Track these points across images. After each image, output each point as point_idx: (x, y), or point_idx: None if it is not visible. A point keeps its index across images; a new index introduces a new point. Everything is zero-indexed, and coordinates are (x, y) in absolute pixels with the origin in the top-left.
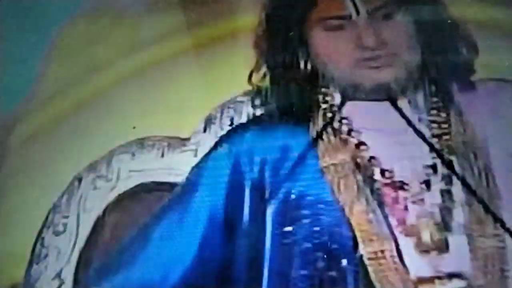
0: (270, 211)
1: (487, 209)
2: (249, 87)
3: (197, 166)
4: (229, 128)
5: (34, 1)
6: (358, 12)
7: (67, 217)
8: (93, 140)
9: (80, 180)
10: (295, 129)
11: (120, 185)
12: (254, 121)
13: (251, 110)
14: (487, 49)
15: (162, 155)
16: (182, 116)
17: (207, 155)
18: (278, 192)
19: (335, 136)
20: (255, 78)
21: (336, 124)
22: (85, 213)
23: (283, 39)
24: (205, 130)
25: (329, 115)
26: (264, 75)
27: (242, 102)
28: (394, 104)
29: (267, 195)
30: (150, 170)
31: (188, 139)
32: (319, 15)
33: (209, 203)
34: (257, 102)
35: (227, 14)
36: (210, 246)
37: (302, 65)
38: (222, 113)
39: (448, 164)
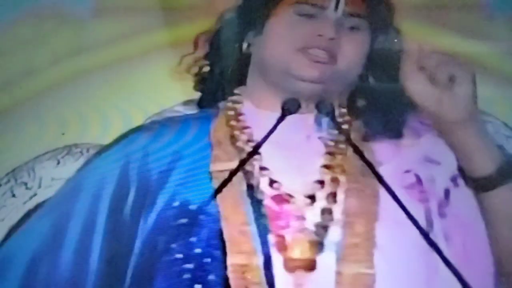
0: (149, 217)
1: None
2: (188, 97)
3: (86, 164)
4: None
5: None
6: (336, 8)
7: None
8: (18, 145)
9: None
10: (197, 132)
11: (41, 193)
12: (159, 122)
13: None
14: None
15: None
16: (116, 124)
17: (101, 151)
18: (160, 199)
19: (232, 144)
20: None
21: (236, 133)
22: None
23: (248, 16)
24: None
25: (233, 123)
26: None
27: (178, 112)
28: (333, 118)
29: (147, 201)
30: None
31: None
32: None
33: (92, 201)
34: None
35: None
36: (88, 244)
37: (244, 47)
38: None
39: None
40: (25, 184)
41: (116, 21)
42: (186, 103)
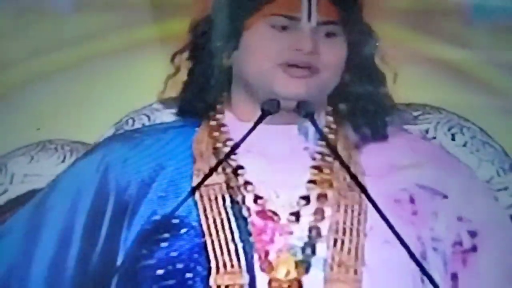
0: (129, 231)
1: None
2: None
3: (65, 170)
4: (112, 134)
5: None
6: (309, 18)
7: None
8: None
9: None
10: (179, 143)
11: (12, 189)
12: (140, 131)
13: (165, 118)
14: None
15: (63, 161)
16: (93, 121)
17: (79, 159)
18: (142, 211)
19: (215, 157)
20: (178, 60)
21: (219, 145)
22: None
23: (220, 27)
24: None
25: (215, 134)
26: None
27: (157, 110)
28: (312, 120)
29: (128, 213)
30: (48, 176)
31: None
32: (270, 10)
33: (69, 210)
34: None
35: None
36: (64, 256)
37: (224, 60)
38: (134, 119)
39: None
40: None
41: (97, 16)
42: (164, 101)
